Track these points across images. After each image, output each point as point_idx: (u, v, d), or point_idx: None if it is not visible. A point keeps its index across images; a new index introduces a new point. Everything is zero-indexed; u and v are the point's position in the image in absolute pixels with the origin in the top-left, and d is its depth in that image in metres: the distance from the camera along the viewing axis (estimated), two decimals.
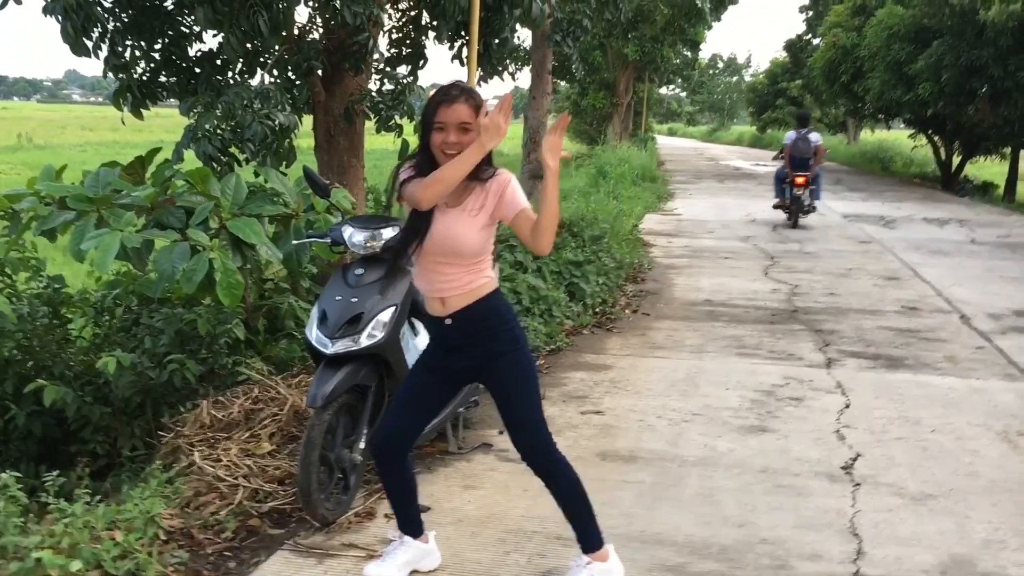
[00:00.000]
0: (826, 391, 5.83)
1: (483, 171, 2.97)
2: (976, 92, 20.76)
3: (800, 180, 14.26)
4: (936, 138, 25.56)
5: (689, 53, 37.48)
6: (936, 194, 22.12)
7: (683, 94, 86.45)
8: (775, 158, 15.97)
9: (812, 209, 14.79)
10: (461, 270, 3.05)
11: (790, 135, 14.96)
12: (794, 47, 52.78)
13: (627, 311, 8.19)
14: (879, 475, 4.47)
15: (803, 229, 14.13)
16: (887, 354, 6.79)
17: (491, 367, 3.12)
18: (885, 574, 3.49)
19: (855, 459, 4.68)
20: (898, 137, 34.97)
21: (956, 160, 25.10)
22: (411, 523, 3.37)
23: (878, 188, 22.84)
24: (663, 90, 60.75)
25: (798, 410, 5.45)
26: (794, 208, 14.43)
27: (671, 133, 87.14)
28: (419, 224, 3.01)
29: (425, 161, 2.97)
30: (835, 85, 29.30)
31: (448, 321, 3.09)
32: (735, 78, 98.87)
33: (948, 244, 12.79)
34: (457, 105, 2.86)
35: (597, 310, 8.02)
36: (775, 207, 15.01)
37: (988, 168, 26.40)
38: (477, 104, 2.90)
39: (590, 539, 3.25)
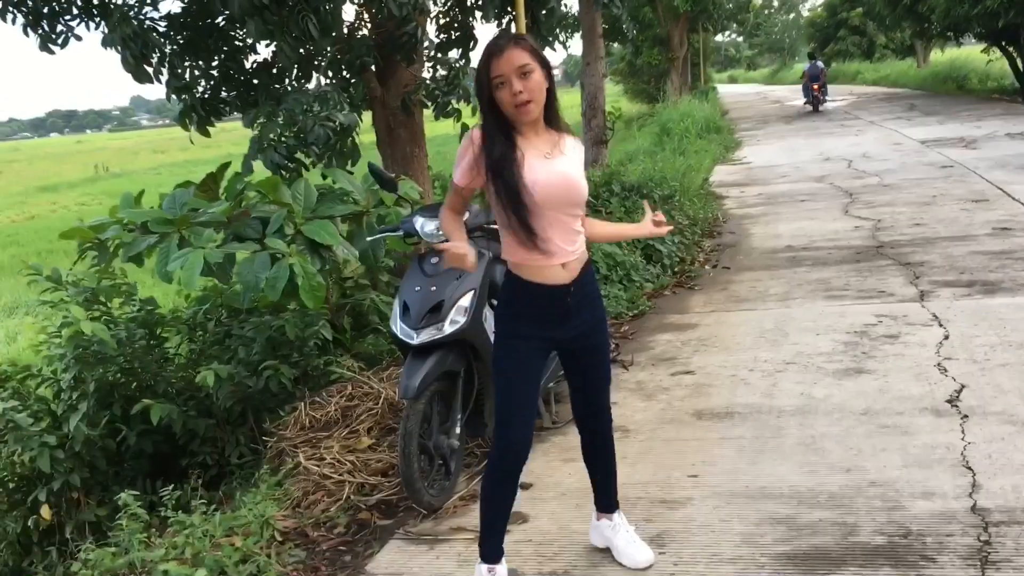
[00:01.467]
0: (922, 325, 5.67)
1: (558, 121, 2.88)
2: None
3: (815, 87, 26.07)
4: (1011, 49, 24.39)
5: None
6: (1017, 107, 21.16)
7: (740, 39, 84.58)
8: (801, 79, 29.06)
9: (824, 101, 26.41)
10: (577, 223, 2.88)
11: (806, 65, 27.37)
12: None
13: (707, 267, 8.09)
14: (987, 404, 4.34)
15: (881, 161, 13.71)
16: (982, 279, 6.56)
17: (593, 332, 3.00)
18: (1003, 505, 3.39)
19: (960, 391, 4.55)
20: (971, 53, 33.56)
21: None
22: (501, 547, 3.12)
23: (955, 109, 21.98)
24: (719, 38, 59.58)
25: (894, 347, 5.32)
26: (815, 102, 26.04)
27: (732, 80, 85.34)
28: (514, 179, 2.73)
29: (495, 124, 2.75)
30: (898, 8, 28.27)
31: (572, 288, 2.88)
32: (792, 15, 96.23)
33: None
34: (508, 52, 2.66)
35: (676, 270, 7.94)
36: (804, 104, 26.82)
37: None
38: (529, 46, 2.72)
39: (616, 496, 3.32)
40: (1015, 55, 24.35)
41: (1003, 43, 24.30)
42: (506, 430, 2.91)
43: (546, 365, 3.19)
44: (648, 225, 3.09)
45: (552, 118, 2.85)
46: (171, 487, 3.90)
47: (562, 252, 2.84)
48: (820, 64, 26.61)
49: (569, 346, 3.02)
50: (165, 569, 3.20)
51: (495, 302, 4.24)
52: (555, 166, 2.79)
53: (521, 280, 2.87)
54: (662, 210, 8.92)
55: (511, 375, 2.91)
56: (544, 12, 7.55)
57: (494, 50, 2.68)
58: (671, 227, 3.14)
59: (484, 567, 3.06)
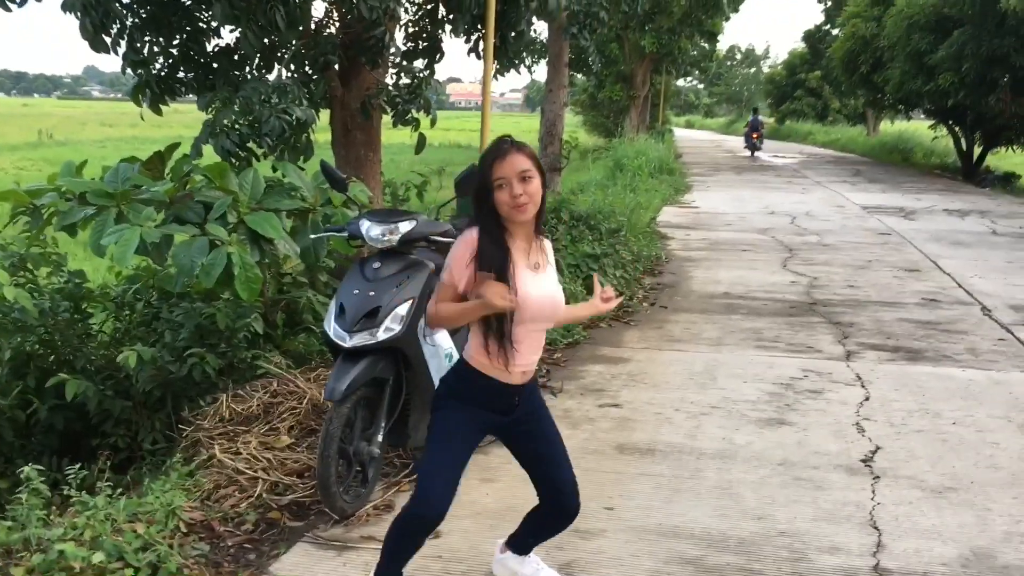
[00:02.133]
0: (845, 383, 5.80)
1: (541, 226, 2.93)
2: (997, 82, 20.56)
3: (755, 135, 32.36)
4: (957, 128, 25.29)
5: (707, 44, 37.30)
6: (957, 185, 21.93)
7: (701, 86, 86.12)
8: (744, 129, 35.03)
9: (760, 148, 32.70)
10: (543, 336, 2.97)
11: (751, 118, 33.95)
12: (813, 37, 52.54)
13: (645, 304, 8.18)
14: (899, 468, 4.45)
15: (823, 221, 14.04)
16: (907, 346, 6.75)
17: (535, 420, 3.03)
18: (905, 567, 3.47)
19: (875, 452, 4.65)
20: (918, 128, 34.71)
21: (977, 151, 24.84)
22: None
23: (898, 179, 22.68)
24: (680, 82, 60.61)
25: (817, 403, 5.43)
26: (752, 148, 32.27)
27: (689, 125, 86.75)
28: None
29: (492, 224, 2.79)
30: (854, 76, 29.10)
31: (516, 398, 2.94)
32: (753, 69, 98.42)
33: (969, 235, 12.68)
34: (511, 157, 2.75)
35: None
36: (744, 148, 33.24)
37: (1010, 158, 26.19)
38: (530, 152, 2.80)
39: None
40: (960, 135, 25.24)
41: (950, 121, 25.17)
42: (427, 490, 2.85)
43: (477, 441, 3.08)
44: (597, 302, 3.12)
45: (538, 223, 2.90)
46: (78, 466, 3.79)
47: (525, 363, 2.89)
48: (760, 118, 34.41)
49: (510, 431, 3.02)
50: (61, 549, 3.10)
51: None
52: (543, 282, 2.87)
53: (473, 369, 2.88)
54: (607, 243, 9.05)
55: (444, 437, 2.90)
56: (513, 34, 7.60)
57: (498, 154, 2.77)
58: (620, 299, 3.17)
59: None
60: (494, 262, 2.75)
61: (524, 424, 3.00)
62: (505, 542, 3.29)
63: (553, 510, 3.10)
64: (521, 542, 3.26)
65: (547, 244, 2.99)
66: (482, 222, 2.80)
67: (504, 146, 2.79)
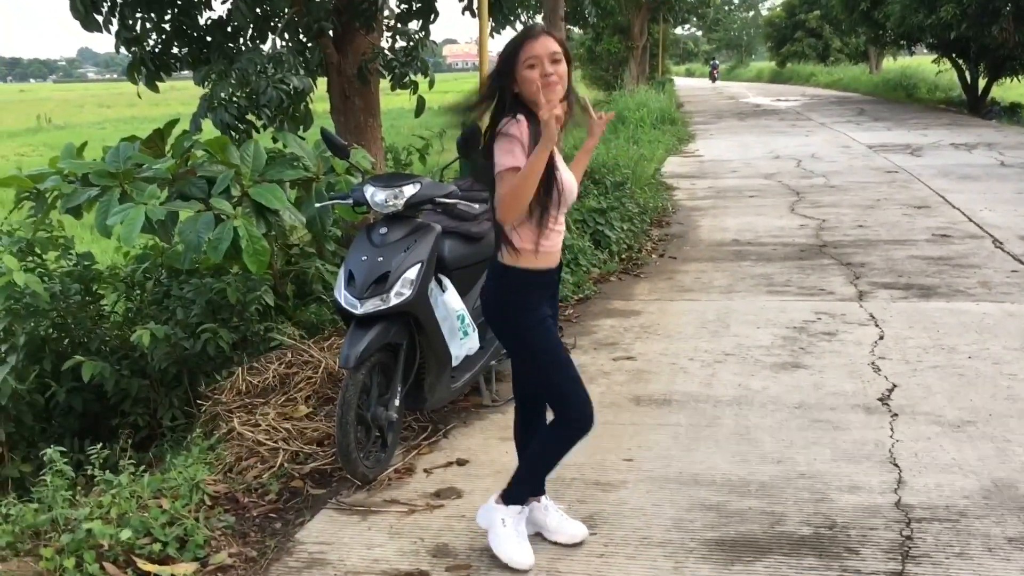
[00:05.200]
0: (859, 324, 5.79)
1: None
2: (1000, 11, 20.25)
3: (714, 72, 61.86)
4: (960, 61, 24.97)
5: None
6: (963, 119, 21.70)
7: (699, 33, 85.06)
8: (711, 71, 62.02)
9: (717, 79, 60.27)
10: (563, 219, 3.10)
11: (713, 61, 68.41)
12: None
13: (653, 256, 8.15)
14: (916, 404, 4.45)
15: (829, 162, 13.94)
16: (919, 283, 6.72)
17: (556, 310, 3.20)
18: (927, 502, 3.48)
19: (891, 390, 4.65)
20: (921, 63, 34.24)
21: (982, 83, 24.54)
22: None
23: (903, 116, 22.45)
24: (679, 30, 60.08)
25: (831, 344, 5.42)
26: (713, 79, 59.29)
27: (689, 74, 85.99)
28: (552, 183, 2.88)
29: (519, 107, 2.84)
30: (855, 13, 28.75)
31: (559, 269, 3.13)
32: (751, 13, 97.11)
33: (977, 169, 12.56)
34: (543, 38, 2.82)
35: (623, 256, 7.99)
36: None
37: (1015, 89, 25.82)
38: (560, 39, 2.87)
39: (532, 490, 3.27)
40: (964, 67, 24.93)
41: (953, 55, 24.85)
42: (580, 401, 3.02)
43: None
44: (595, 133, 3.16)
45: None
46: (100, 446, 3.81)
47: (558, 244, 3.05)
48: (716, 63, 60.05)
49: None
50: (89, 527, 3.13)
51: (442, 278, 4.23)
52: (566, 171, 3.00)
53: (526, 271, 2.98)
54: (613, 197, 9.01)
55: (558, 352, 3.05)
56: None
57: (528, 35, 2.84)
58: (611, 115, 3.24)
59: (528, 506, 3.22)
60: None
61: (554, 318, 3.13)
62: (500, 495, 3.24)
63: (533, 420, 3.28)
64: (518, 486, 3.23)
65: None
66: (519, 109, 2.83)
67: (536, 28, 2.87)
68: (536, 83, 2.78)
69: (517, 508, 3.18)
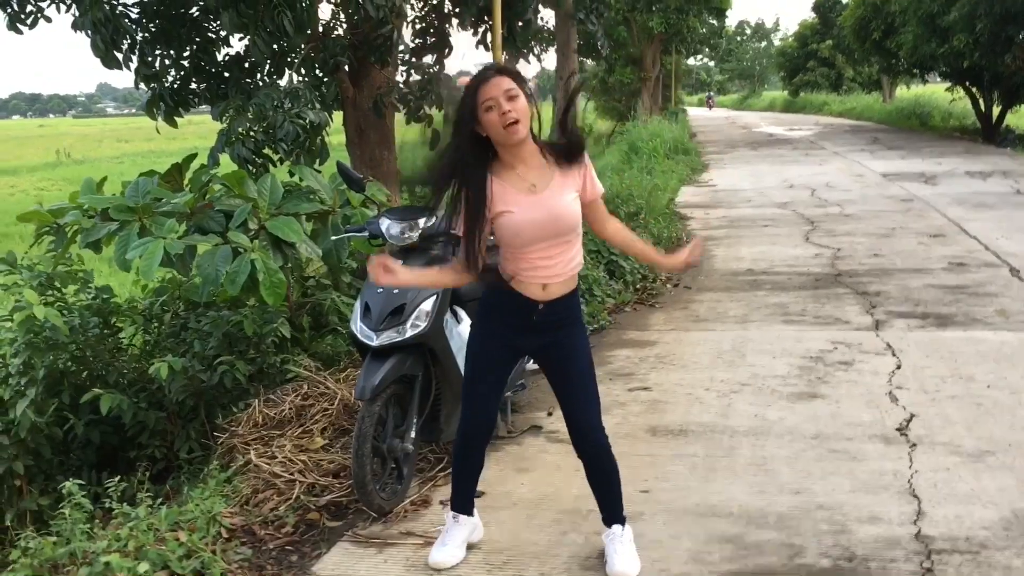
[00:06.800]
0: (875, 353, 5.76)
1: (556, 150, 3.04)
2: (1012, 39, 20.27)
3: (710, 102, 70.34)
4: (974, 89, 24.97)
5: (715, 21, 37.10)
6: (977, 147, 21.66)
7: (712, 63, 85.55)
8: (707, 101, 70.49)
9: (713, 106, 66.79)
10: (572, 250, 3.07)
11: (708, 94, 76.19)
12: (822, 7, 52.11)
13: (668, 286, 8.15)
14: (935, 434, 4.41)
15: (843, 191, 13.93)
16: (936, 312, 6.69)
17: (559, 348, 3.18)
18: (947, 533, 3.45)
19: (909, 420, 4.62)
20: (935, 91, 34.27)
21: (996, 111, 24.53)
22: (470, 502, 3.45)
23: (917, 144, 22.42)
24: (691, 61, 60.34)
25: (848, 374, 5.40)
26: (709, 107, 65.09)
27: (701, 104, 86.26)
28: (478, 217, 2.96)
29: (479, 148, 2.94)
30: (867, 43, 28.86)
31: (541, 307, 3.08)
32: (764, 43, 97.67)
33: (992, 197, 12.52)
34: (495, 79, 2.86)
35: (638, 287, 7.99)
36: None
37: None
38: (514, 73, 2.91)
39: (622, 509, 3.37)
40: (978, 95, 24.93)
41: (967, 83, 24.86)
42: (469, 410, 3.25)
43: (510, 368, 3.35)
44: (680, 259, 3.23)
45: (537, 141, 3.01)
46: (117, 479, 3.83)
47: (538, 275, 3.04)
48: (712, 94, 66.07)
49: (539, 355, 3.26)
50: (107, 560, 3.14)
51: (457, 309, 4.25)
52: (542, 200, 2.96)
53: (500, 290, 3.10)
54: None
55: (479, 367, 3.22)
56: (520, 24, 7.60)
57: (481, 79, 2.89)
58: (698, 243, 3.33)
59: (450, 515, 3.43)
60: (471, 184, 2.93)
61: (552, 350, 3.18)
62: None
63: (576, 450, 3.30)
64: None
65: (560, 169, 3.04)
66: (456, 145, 2.92)
67: (487, 71, 2.91)
68: (497, 126, 2.85)
69: (451, 515, 3.42)
